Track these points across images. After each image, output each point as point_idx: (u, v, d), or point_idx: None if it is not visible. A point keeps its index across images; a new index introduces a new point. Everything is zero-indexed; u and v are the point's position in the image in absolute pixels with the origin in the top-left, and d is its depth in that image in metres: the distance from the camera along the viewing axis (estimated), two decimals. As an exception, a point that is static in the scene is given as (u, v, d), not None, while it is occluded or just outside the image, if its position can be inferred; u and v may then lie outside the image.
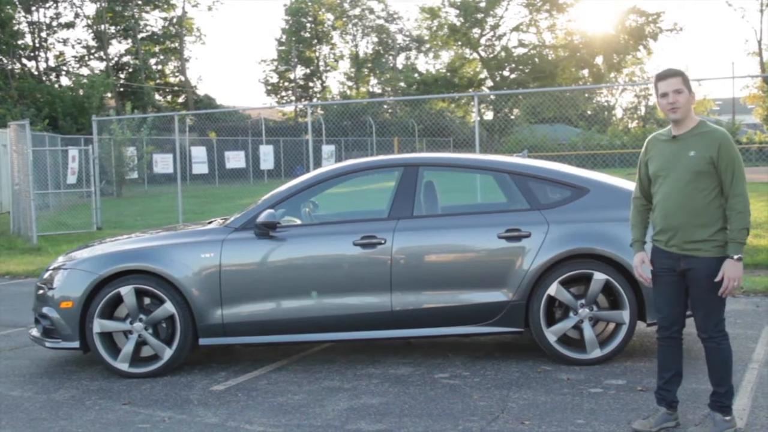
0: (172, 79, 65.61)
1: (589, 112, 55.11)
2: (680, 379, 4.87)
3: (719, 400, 4.68)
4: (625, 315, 6.20)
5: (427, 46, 68.12)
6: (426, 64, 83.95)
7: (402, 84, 63.04)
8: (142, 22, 61.12)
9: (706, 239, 4.54)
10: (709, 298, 4.59)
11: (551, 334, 6.28)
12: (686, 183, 4.56)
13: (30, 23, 56.42)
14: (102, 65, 58.92)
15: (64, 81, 56.40)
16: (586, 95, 53.76)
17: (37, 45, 57.10)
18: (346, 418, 5.30)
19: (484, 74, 61.90)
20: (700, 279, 4.58)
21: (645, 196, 4.89)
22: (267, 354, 7.11)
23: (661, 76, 4.64)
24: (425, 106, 53.13)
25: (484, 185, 14.27)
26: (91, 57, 60.34)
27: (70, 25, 57.85)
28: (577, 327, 6.31)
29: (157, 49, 63.45)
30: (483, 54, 60.79)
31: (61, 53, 61.02)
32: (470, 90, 56.40)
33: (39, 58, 57.50)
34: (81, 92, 45.56)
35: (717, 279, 4.52)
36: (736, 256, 4.49)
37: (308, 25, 71.86)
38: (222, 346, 6.72)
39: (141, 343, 6.47)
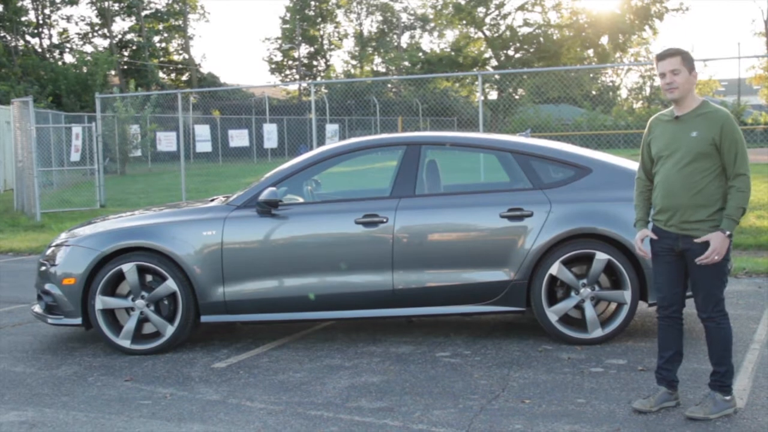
0: (175, 57, 65.45)
1: (593, 93, 54.87)
2: (681, 358, 4.88)
3: (719, 380, 4.69)
4: (627, 295, 6.20)
5: (432, 24, 67.79)
6: (430, 43, 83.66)
7: (406, 63, 62.76)
8: (145, 0, 60.89)
9: (705, 219, 4.53)
10: (708, 279, 4.58)
11: (552, 314, 6.29)
12: (687, 163, 4.55)
13: (33, 0, 56.22)
14: (106, 43, 58.84)
15: (68, 58, 56.36)
16: (591, 75, 53.49)
17: (41, 22, 56.94)
18: (346, 396, 5.32)
19: (488, 53, 61.58)
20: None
21: (648, 177, 4.87)
22: (268, 332, 7.13)
23: (660, 56, 4.62)
24: (429, 86, 52.96)
25: (486, 164, 14.25)
26: (95, 34, 60.21)
27: (73, 2, 57.54)
28: (579, 307, 6.31)
29: (160, 26, 63.25)
30: (488, 33, 60.46)
31: (65, 30, 60.99)
32: (475, 69, 56.13)
33: (42, 35, 57.40)
34: (84, 70, 45.55)
35: (699, 239, 4.54)
36: (727, 232, 4.49)
37: (312, 3, 71.56)
38: (223, 323, 6.75)
39: (143, 320, 6.49)
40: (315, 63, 73.50)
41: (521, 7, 60.23)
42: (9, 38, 51.63)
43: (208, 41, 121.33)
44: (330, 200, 7.05)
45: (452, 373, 5.73)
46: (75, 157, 21.19)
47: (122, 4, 59.83)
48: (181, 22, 64.12)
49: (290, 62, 72.67)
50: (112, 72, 51.68)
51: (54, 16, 58.63)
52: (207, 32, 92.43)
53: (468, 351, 6.30)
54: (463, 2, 58.50)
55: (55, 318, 6.63)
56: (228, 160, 35.49)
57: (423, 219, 6.43)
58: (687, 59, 4.57)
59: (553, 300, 6.34)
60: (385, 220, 6.37)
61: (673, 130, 4.65)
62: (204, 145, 22.79)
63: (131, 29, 61.29)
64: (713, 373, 4.71)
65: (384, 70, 70.85)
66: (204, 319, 6.47)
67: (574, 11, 60.00)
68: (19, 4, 51.93)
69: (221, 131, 31.11)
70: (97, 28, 59.94)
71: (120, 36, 60.73)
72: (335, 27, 74.65)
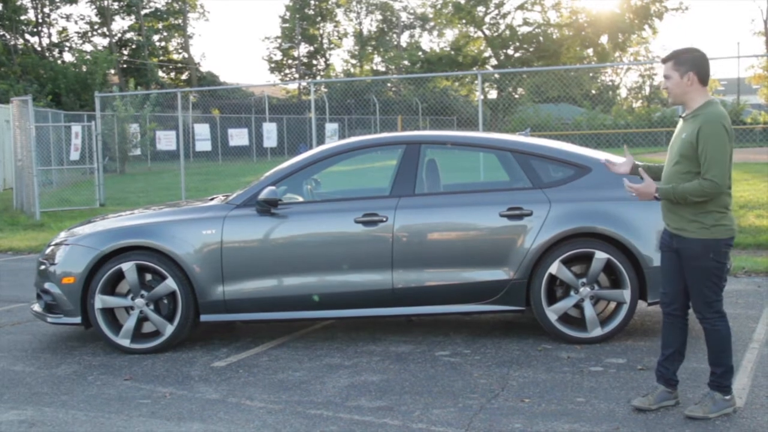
0: (175, 56, 65.45)
1: (593, 92, 54.90)
2: (681, 358, 4.87)
3: (717, 380, 4.69)
4: (626, 294, 6.20)
5: (432, 24, 67.77)
6: (430, 42, 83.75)
7: (406, 62, 62.73)
8: (145, -1, 60.94)
9: (691, 220, 4.53)
10: (698, 279, 4.59)
11: (552, 313, 6.29)
12: (675, 163, 4.60)
13: (33, -2, 56.26)
14: (105, 41, 58.79)
15: (67, 57, 56.32)
16: (591, 75, 53.46)
17: (40, 20, 56.92)
18: (346, 395, 5.32)
19: (488, 53, 61.57)
20: (687, 259, 4.59)
21: None
22: (268, 331, 7.13)
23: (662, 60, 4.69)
24: (429, 85, 52.95)
25: (486, 163, 14.25)
26: (94, 33, 60.17)
27: (73, 1, 57.53)
28: (578, 306, 6.31)
29: (160, 25, 63.23)
30: (487, 32, 60.42)
31: (64, 29, 61.05)
32: (474, 68, 56.11)
33: (42, 34, 57.38)
34: (84, 68, 45.50)
35: (630, 185, 4.65)
36: (655, 187, 4.55)
37: (312, 2, 71.54)
38: (223, 322, 6.74)
39: (142, 319, 6.48)
40: (314, 62, 73.50)
41: (521, 7, 60.20)
42: (8, 37, 51.59)
43: (208, 40, 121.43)
44: (329, 199, 7.06)
45: (452, 372, 5.73)
46: (74, 156, 21.18)
47: (122, 3, 59.80)
48: (180, 20, 64.09)
49: (290, 61, 72.67)
50: (112, 71, 51.65)
51: (53, 15, 58.68)
52: (206, 31, 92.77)
53: (467, 350, 6.30)
54: (462, 1, 58.47)
55: (54, 317, 6.63)
56: (227, 159, 35.48)
57: (422, 218, 6.42)
58: (680, 62, 4.56)
59: (552, 299, 6.34)
60: (384, 219, 6.36)
61: (678, 130, 4.71)
62: (203, 144, 22.80)
63: (131, 28, 61.28)
64: (711, 373, 4.72)
65: (384, 69, 70.84)
66: (203, 318, 6.47)
67: (574, 10, 59.97)
68: (19, 2, 51.88)
69: (221, 130, 31.10)
70: (96, 26, 59.91)
71: (119, 35, 60.72)
72: (335, 26, 74.70)
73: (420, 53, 62.80)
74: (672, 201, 4.51)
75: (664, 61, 4.62)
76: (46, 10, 57.42)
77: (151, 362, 6.24)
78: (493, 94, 53.00)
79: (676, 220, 4.60)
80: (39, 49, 55.49)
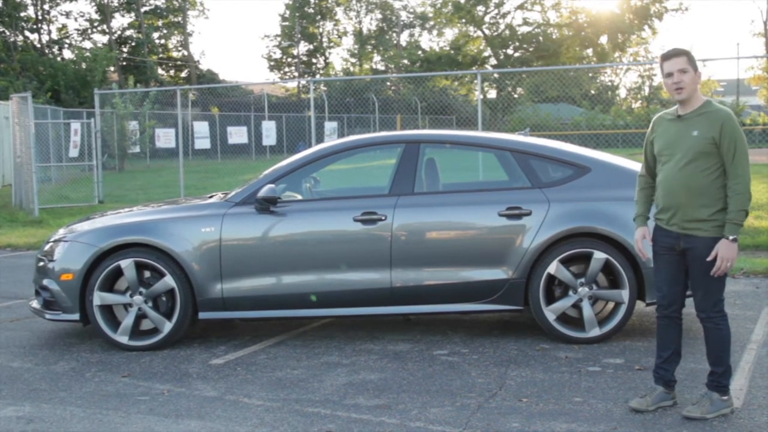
0: (175, 54, 65.43)
1: (592, 92, 54.89)
2: (678, 358, 4.88)
3: (716, 380, 4.69)
4: (625, 294, 6.21)
5: (431, 23, 67.78)
6: (430, 41, 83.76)
7: (405, 61, 62.79)
8: (145, -4, 60.91)
9: (706, 219, 4.54)
10: (707, 278, 4.58)
11: (550, 313, 6.29)
12: (687, 162, 4.55)
13: (33, -5, 56.22)
14: (105, 39, 58.77)
15: (67, 54, 56.28)
16: (590, 75, 53.49)
17: (40, 17, 56.86)
18: (344, 393, 5.33)
19: (487, 52, 61.65)
20: (699, 259, 4.57)
21: (650, 175, 4.89)
22: (266, 329, 7.13)
23: (667, 56, 4.62)
24: (428, 84, 52.95)
25: (485, 163, 14.24)
26: (94, 30, 60.17)
27: (72, -2, 57.52)
28: (576, 306, 6.31)
29: (160, 23, 63.20)
30: (487, 32, 60.49)
31: (64, 26, 60.85)
32: (474, 68, 56.14)
33: (42, 31, 57.32)
34: (84, 65, 45.47)
35: (710, 258, 4.52)
36: (731, 237, 4.48)
37: (312, 0, 71.50)
38: (222, 320, 6.74)
39: (141, 316, 6.48)
40: (314, 60, 73.44)
41: (521, 6, 60.29)
42: (8, 34, 51.55)
43: (208, 38, 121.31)
44: (328, 198, 7.05)
45: (450, 372, 5.73)
46: (74, 153, 21.17)
47: (121, 1, 59.76)
48: (180, 18, 64.04)
49: (289, 60, 72.60)
50: (111, 68, 51.60)
51: (53, 12, 58.66)
52: (206, 29, 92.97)
53: (465, 349, 6.31)
54: (462, 1, 58.50)
55: (52, 313, 6.62)
56: (226, 157, 35.47)
57: (421, 217, 6.43)
58: (692, 59, 4.59)
59: (551, 299, 6.34)
60: (383, 217, 6.37)
61: (675, 129, 4.66)
62: (203, 142, 22.81)
63: (130, 25, 61.26)
64: (711, 373, 4.72)
65: (383, 68, 70.84)
66: (202, 315, 6.47)
67: (574, 10, 60.07)
68: (18, -1, 51.90)
69: (220, 128, 31.08)
70: (96, 24, 59.90)
71: (119, 32, 60.69)
72: (334, 25, 74.61)
73: (419, 52, 62.87)
74: (742, 224, 4.51)
75: (678, 54, 4.56)
76: (46, 7, 57.38)
77: (149, 359, 6.24)
78: (492, 94, 53.07)
79: (689, 219, 4.59)
80: (39, 46, 55.45)
